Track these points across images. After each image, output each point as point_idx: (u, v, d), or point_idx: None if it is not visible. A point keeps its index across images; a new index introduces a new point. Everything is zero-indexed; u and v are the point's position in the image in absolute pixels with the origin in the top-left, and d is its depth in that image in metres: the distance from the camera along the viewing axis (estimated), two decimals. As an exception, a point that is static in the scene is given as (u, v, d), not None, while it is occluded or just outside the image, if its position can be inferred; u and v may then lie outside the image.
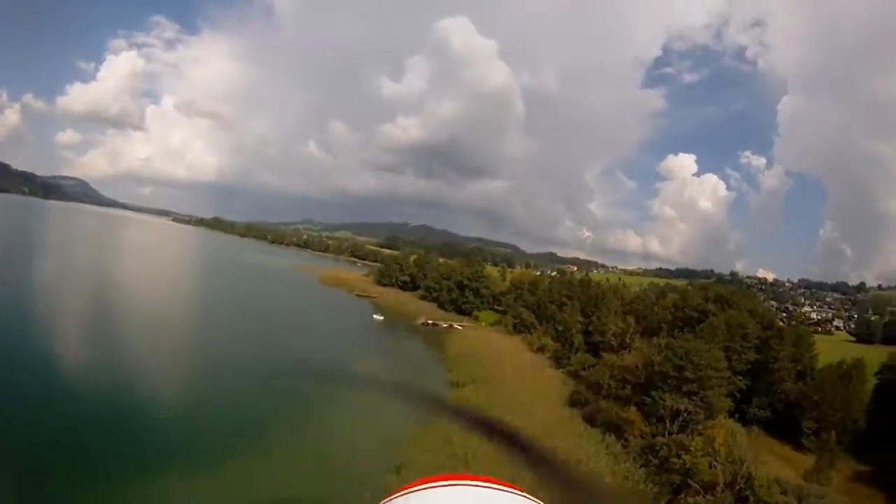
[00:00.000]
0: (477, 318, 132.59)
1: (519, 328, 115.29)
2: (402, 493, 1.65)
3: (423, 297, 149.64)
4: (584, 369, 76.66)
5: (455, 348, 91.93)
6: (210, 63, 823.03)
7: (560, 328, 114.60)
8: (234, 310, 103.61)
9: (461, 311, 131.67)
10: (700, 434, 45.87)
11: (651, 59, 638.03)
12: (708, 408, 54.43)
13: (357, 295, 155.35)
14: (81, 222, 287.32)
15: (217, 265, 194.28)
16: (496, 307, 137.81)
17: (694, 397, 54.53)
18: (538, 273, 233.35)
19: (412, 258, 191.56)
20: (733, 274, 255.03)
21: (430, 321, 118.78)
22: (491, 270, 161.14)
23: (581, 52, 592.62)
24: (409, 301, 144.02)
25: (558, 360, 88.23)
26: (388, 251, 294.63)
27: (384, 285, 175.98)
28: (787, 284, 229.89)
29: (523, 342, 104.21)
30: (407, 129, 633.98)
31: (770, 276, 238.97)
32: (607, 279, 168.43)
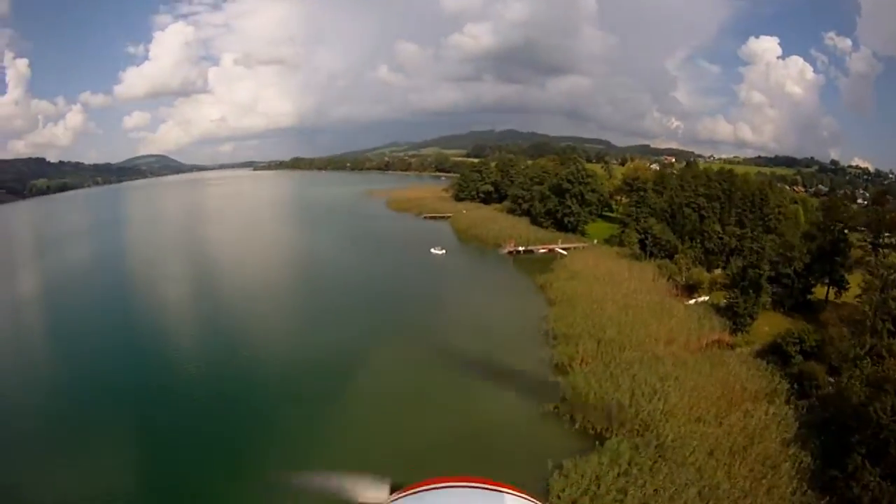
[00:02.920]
0: (584, 235, 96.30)
1: (650, 249, 77.76)
2: (404, 494, 1.57)
3: (510, 211, 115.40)
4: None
5: (559, 290, 58.66)
6: (261, 12, 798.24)
7: (714, 247, 75.81)
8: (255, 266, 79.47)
9: (562, 227, 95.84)
10: None
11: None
12: None
13: (427, 217, 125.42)
14: (139, 193, 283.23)
15: (271, 208, 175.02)
16: (605, 213, 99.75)
17: None
18: (653, 166, 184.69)
19: (493, 164, 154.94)
20: (834, 163, 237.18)
21: (519, 247, 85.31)
22: (592, 167, 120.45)
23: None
24: (492, 217, 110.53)
25: (736, 318, 51.11)
26: (473, 160, 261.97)
27: (462, 199, 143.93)
28: (891, 176, 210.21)
29: (661, 273, 67.34)
30: (477, 37, 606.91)
31: (870, 166, 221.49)
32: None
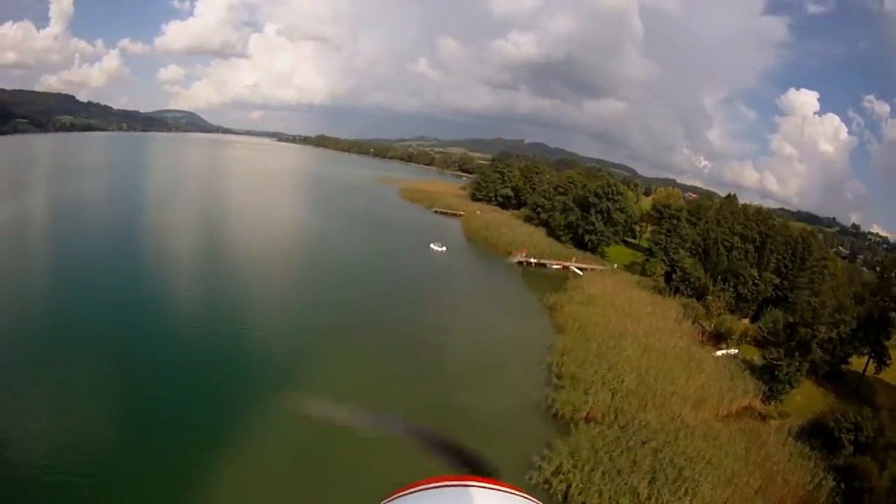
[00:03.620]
0: (604, 256, 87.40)
1: (676, 285, 68.70)
2: (401, 494, 1.59)
3: (528, 219, 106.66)
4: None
5: (571, 315, 49.86)
6: None
7: (748, 293, 66.72)
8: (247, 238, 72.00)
9: (581, 244, 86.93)
10: None
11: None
12: None
13: (437, 212, 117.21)
14: (159, 144, 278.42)
15: (281, 176, 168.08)
16: (626, 238, 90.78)
17: None
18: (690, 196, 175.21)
19: (517, 168, 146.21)
20: (855, 227, 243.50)
21: (531, 258, 76.68)
22: (621, 187, 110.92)
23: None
24: (507, 222, 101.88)
25: (774, 382, 41.84)
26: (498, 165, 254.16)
27: (479, 200, 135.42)
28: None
29: (686, 314, 58.35)
30: (520, 46, 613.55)
31: (889, 235, 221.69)
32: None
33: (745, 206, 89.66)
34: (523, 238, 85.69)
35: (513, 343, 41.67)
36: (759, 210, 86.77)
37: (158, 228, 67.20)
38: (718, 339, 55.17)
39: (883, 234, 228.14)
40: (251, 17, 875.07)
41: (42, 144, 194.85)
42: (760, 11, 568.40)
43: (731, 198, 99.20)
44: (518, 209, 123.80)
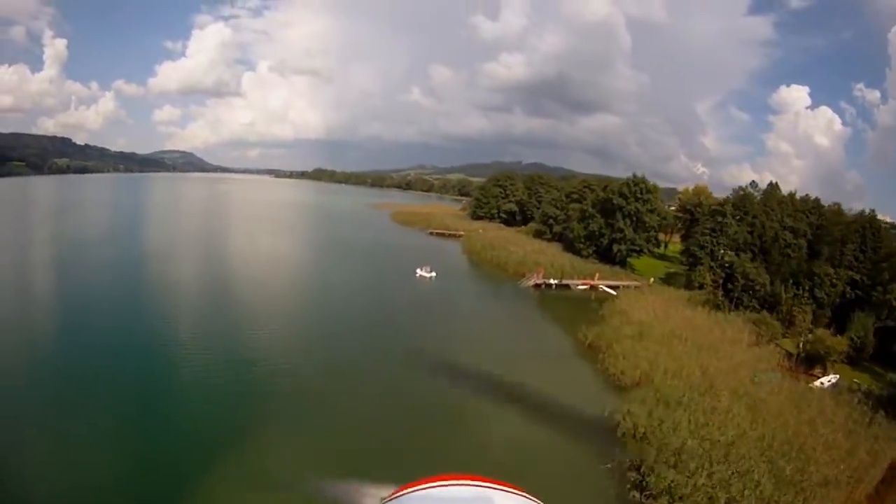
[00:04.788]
0: (634, 270, 71.54)
1: (737, 295, 53.02)
2: (403, 492, 1.81)
3: (538, 234, 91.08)
4: None
5: (628, 357, 33.23)
6: (300, 23, 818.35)
7: (824, 297, 51.65)
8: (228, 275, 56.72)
9: (608, 257, 71.01)
10: None
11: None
12: None
13: (433, 233, 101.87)
14: (154, 183, 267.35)
15: (267, 208, 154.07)
16: (650, 249, 74.81)
17: None
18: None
19: (521, 182, 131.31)
20: (873, 212, 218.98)
21: (549, 279, 60.53)
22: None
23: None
24: (514, 239, 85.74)
25: None
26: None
27: (480, 218, 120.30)
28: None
29: (761, 332, 43.23)
30: (511, 67, 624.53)
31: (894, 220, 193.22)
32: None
33: (790, 195, 73.97)
34: (536, 256, 69.67)
35: (548, 416, 25.21)
36: (807, 198, 71.41)
37: (145, 259, 57.89)
38: (810, 362, 40.83)
39: (888, 220, 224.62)
40: (243, 55, 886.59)
41: (28, 186, 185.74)
42: (744, 12, 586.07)
43: (774, 186, 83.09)
44: (524, 224, 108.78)
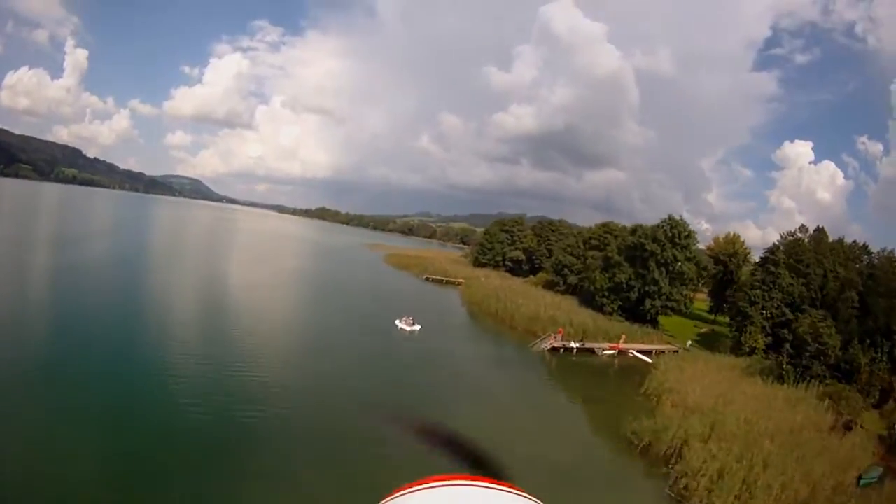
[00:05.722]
0: (659, 327, 58.89)
1: (805, 362, 40.43)
2: (400, 493, 1.73)
3: (548, 285, 78.40)
4: None
5: (720, 481, 20.32)
6: (316, 62, 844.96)
7: None
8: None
9: (634, 315, 58.17)
10: None
11: (761, 38, 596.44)
12: None
13: (429, 279, 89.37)
14: (156, 206, 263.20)
15: (261, 242, 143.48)
16: (686, 305, 61.80)
17: None
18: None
19: (529, 228, 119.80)
20: (891, 254, 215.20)
21: (569, 342, 47.38)
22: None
23: (689, 32, 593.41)
24: (521, 290, 72.69)
25: None
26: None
27: (483, 266, 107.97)
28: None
29: (839, 411, 30.76)
30: (520, 118, 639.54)
31: None
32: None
33: (840, 240, 62.06)
34: (551, 311, 56.58)
35: None
36: (855, 245, 59.79)
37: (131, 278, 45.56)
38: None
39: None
40: (258, 87, 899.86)
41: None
42: (750, 67, 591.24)
43: (822, 232, 70.76)
44: (532, 275, 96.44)
